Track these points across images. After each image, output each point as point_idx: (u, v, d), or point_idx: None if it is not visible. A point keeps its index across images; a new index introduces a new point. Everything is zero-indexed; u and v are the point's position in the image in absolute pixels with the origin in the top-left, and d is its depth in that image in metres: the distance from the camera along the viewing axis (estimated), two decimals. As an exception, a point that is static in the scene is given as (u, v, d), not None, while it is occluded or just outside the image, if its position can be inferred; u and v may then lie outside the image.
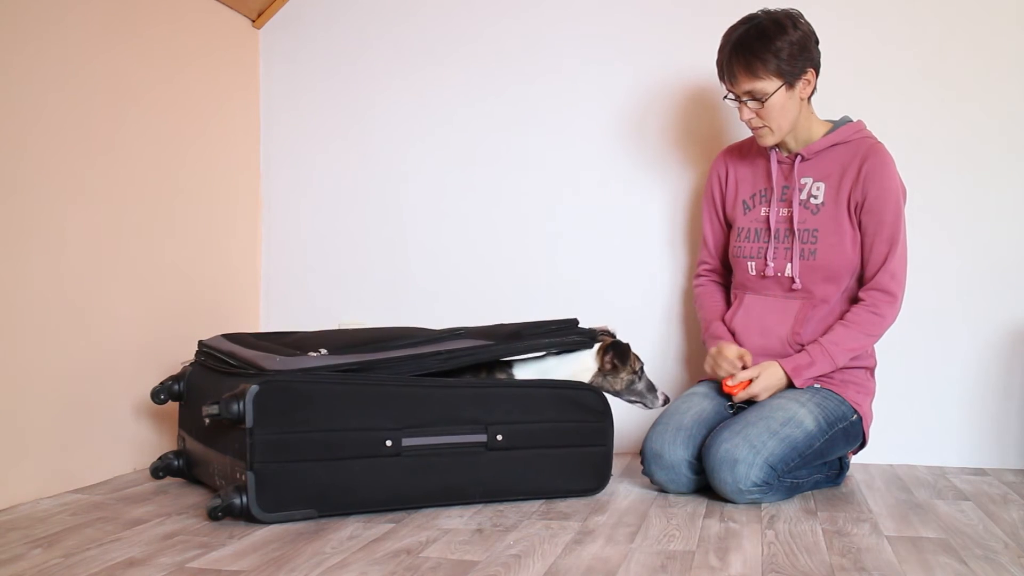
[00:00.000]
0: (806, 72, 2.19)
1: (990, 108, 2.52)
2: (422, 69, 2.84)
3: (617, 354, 2.19)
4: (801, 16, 2.20)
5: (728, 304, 2.45)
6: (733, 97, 2.22)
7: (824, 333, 2.22)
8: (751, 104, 2.19)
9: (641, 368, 2.24)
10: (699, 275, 2.53)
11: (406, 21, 2.85)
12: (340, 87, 2.89)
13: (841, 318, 2.23)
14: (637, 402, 2.25)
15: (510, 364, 2.20)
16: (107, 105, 2.26)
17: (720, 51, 2.23)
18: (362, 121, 2.88)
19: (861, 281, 2.25)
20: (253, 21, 2.89)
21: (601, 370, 2.20)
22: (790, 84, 2.18)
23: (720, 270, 2.50)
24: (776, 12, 2.20)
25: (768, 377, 2.20)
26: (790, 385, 2.21)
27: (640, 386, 2.23)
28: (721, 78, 2.24)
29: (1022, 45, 2.50)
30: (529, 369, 2.20)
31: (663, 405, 2.25)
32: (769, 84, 2.16)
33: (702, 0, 2.63)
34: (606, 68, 2.72)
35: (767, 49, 2.14)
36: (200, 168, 2.62)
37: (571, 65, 2.75)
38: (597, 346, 2.21)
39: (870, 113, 2.45)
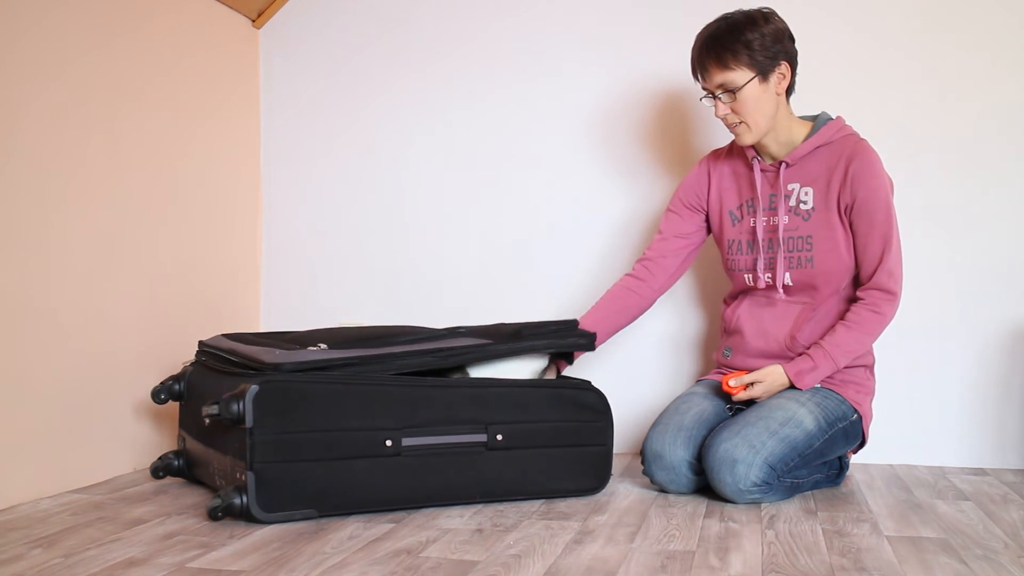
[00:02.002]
0: (779, 64, 2.19)
1: (990, 108, 2.52)
2: (422, 69, 2.84)
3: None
4: (775, 13, 2.21)
5: (625, 317, 2.41)
6: (707, 94, 2.23)
7: (824, 334, 2.22)
8: (724, 98, 2.19)
9: None
10: (633, 268, 2.45)
11: (406, 21, 2.85)
12: (340, 86, 2.89)
13: (842, 318, 2.22)
14: None
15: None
16: (107, 104, 2.26)
17: (693, 48, 2.24)
18: (362, 120, 2.89)
19: (857, 280, 2.25)
20: (253, 21, 2.89)
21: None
22: (763, 76, 2.17)
23: (654, 269, 2.41)
24: (750, 9, 2.21)
25: (771, 382, 2.19)
26: (792, 387, 2.21)
27: None
28: (694, 74, 2.24)
29: (1021, 45, 2.51)
30: (486, 371, 2.18)
31: None
32: (740, 75, 2.16)
33: (699, 4, 2.64)
34: (606, 68, 2.73)
35: (737, 40, 2.15)
36: (200, 167, 2.63)
37: (572, 65, 2.75)
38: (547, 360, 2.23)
39: (870, 114, 2.45)
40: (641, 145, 2.72)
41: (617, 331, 2.43)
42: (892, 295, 2.18)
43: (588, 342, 2.20)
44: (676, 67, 2.67)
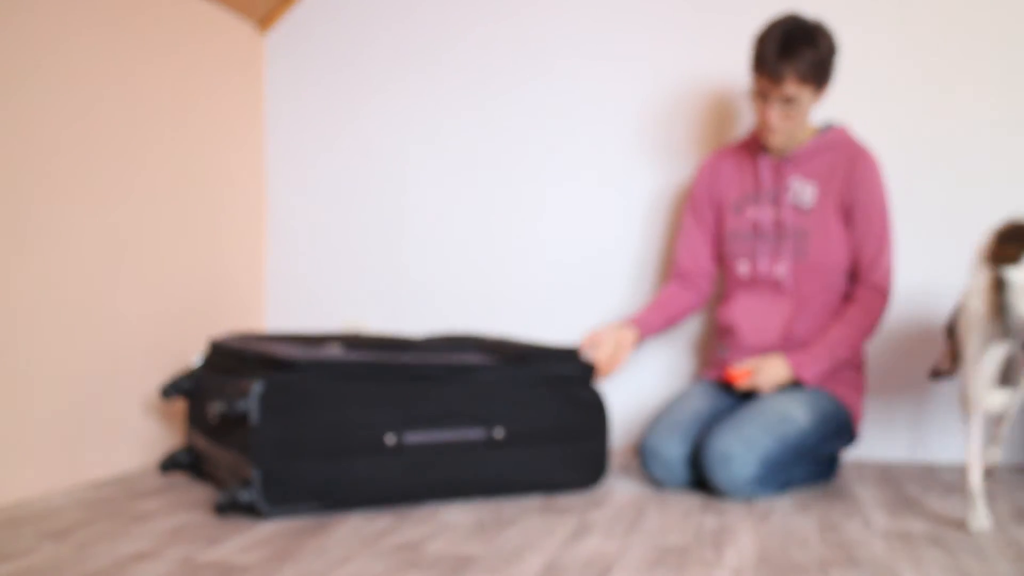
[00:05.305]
0: (829, 83, 2.24)
1: (987, 110, 2.54)
2: (425, 73, 2.87)
3: None
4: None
5: (686, 310, 2.46)
6: (760, 95, 2.23)
7: (822, 331, 2.27)
8: (783, 108, 2.21)
9: None
10: (671, 283, 2.50)
11: (410, 27, 2.87)
12: (344, 91, 2.92)
13: (838, 316, 2.27)
14: None
15: None
16: (113, 108, 2.29)
17: (765, 49, 2.18)
18: (366, 125, 2.91)
19: (852, 278, 2.30)
20: (258, 26, 2.91)
21: None
22: (818, 94, 2.23)
23: (692, 276, 2.46)
24: (811, 20, 2.21)
25: (771, 369, 2.22)
26: (795, 382, 2.24)
27: None
28: (760, 74, 2.20)
29: (1019, 47, 2.53)
30: None
31: None
32: (807, 91, 2.20)
33: (704, 2, 2.67)
34: (606, 69, 2.75)
35: (816, 58, 2.17)
36: (206, 170, 2.66)
37: (572, 66, 2.77)
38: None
39: (866, 115, 2.47)
40: (644, 145, 2.74)
41: (665, 324, 2.44)
42: (883, 294, 2.24)
43: (586, 375, 2.20)
44: (678, 66, 2.69)
